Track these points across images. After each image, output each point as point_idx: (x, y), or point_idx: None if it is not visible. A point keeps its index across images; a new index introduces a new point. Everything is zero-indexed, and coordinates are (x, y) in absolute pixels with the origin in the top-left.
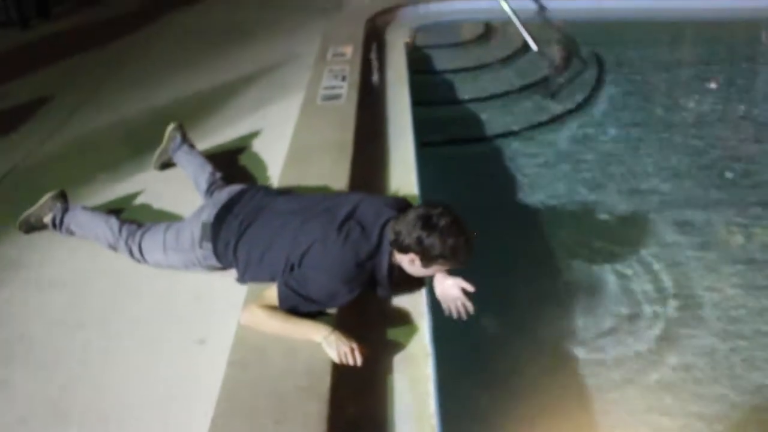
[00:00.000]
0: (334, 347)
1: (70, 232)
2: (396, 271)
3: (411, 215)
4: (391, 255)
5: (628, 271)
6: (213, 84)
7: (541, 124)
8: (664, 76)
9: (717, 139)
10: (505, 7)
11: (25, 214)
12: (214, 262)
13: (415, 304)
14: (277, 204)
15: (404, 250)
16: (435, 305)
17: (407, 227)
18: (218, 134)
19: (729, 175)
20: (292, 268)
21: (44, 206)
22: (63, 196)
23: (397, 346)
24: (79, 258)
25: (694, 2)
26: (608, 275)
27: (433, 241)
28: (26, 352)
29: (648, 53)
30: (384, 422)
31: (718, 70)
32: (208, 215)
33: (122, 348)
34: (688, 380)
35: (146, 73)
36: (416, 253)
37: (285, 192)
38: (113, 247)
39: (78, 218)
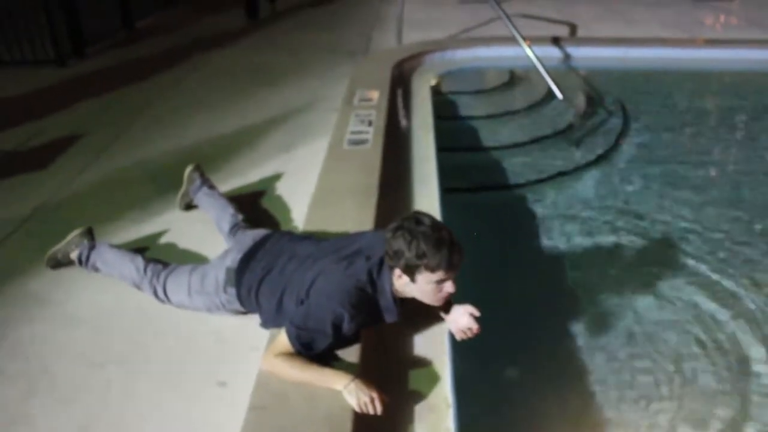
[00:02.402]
0: (354, 396)
1: (96, 269)
2: (398, 298)
3: (387, 230)
4: (392, 280)
5: (648, 321)
6: (240, 125)
7: (565, 173)
8: (688, 127)
9: (744, 192)
10: (530, 54)
11: (53, 250)
12: (237, 306)
13: (437, 353)
14: (297, 249)
15: (391, 268)
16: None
17: (386, 246)
18: (243, 176)
19: (757, 227)
20: (302, 304)
21: (71, 243)
22: (90, 233)
23: (419, 396)
24: (104, 295)
25: (719, 53)
26: (627, 323)
27: (401, 246)
28: (48, 388)
29: (672, 103)
30: None
31: (742, 121)
32: (233, 260)
33: (143, 387)
34: None
35: (175, 113)
36: (397, 267)
37: (307, 237)
38: (138, 286)
39: (104, 256)
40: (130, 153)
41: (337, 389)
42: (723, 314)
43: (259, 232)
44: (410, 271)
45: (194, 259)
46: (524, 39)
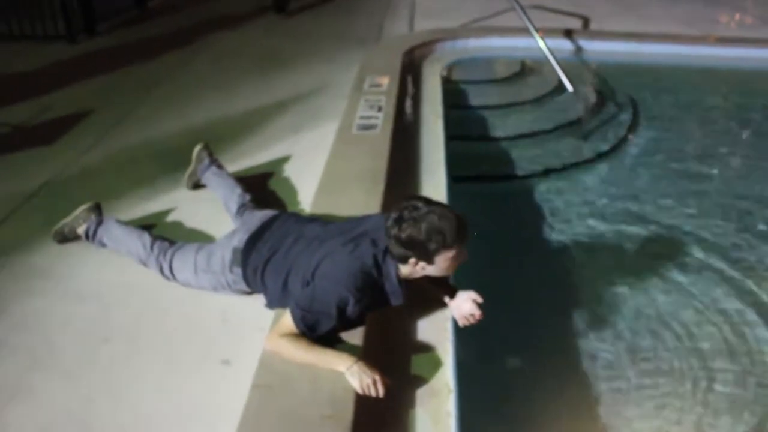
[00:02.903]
0: (357, 378)
1: (102, 245)
2: (404, 282)
3: (388, 223)
4: (397, 265)
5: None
6: (248, 107)
7: (573, 165)
8: (698, 123)
9: (751, 190)
10: (542, 46)
11: (60, 224)
12: (243, 286)
13: (440, 339)
14: (303, 230)
15: (403, 260)
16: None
17: (390, 238)
18: (251, 157)
19: (762, 227)
20: (307, 286)
21: (79, 217)
22: (98, 209)
23: (421, 381)
24: (109, 271)
25: (730, 51)
26: (629, 312)
27: (413, 237)
28: (51, 361)
29: (683, 99)
30: None
31: (752, 119)
32: (239, 240)
33: (147, 364)
34: None
35: (184, 93)
36: (413, 255)
37: (314, 219)
38: (144, 263)
39: (111, 231)
40: (138, 131)
41: (339, 371)
42: (732, 307)
43: (267, 213)
44: (428, 256)
45: (201, 238)
46: (537, 30)
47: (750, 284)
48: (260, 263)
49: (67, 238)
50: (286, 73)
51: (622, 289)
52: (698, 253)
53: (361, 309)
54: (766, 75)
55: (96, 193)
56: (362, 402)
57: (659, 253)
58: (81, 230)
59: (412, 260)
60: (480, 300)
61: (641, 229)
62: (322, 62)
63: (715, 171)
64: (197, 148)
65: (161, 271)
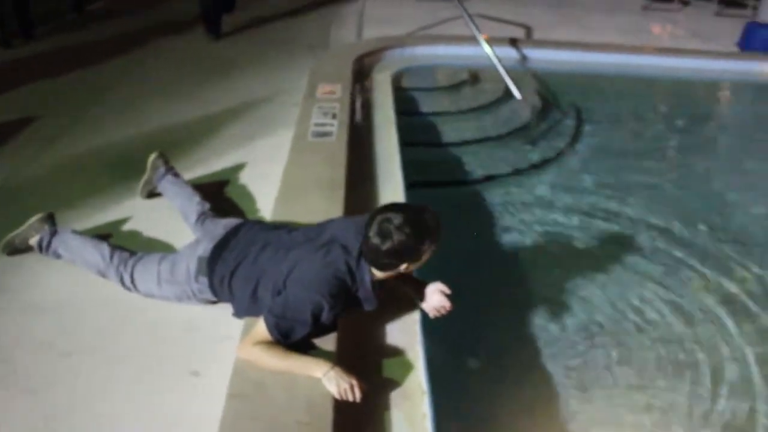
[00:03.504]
0: (334, 383)
1: (57, 256)
2: (377, 285)
3: (372, 239)
4: (370, 271)
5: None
6: (200, 114)
7: (522, 170)
8: (637, 128)
9: (687, 186)
10: (490, 54)
11: (10, 235)
12: (209, 296)
13: (410, 342)
14: (269, 238)
15: (389, 267)
16: (429, 342)
17: (377, 253)
18: (205, 165)
19: (702, 227)
20: (279, 294)
21: (31, 228)
22: (51, 219)
23: (394, 384)
24: (65, 283)
25: (670, 61)
26: (578, 308)
27: (404, 244)
28: (11, 379)
29: (623, 105)
30: None
31: (683, 124)
32: (204, 250)
33: (113, 377)
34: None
35: (132, 100)
36: (403, 262)
37: (279, 226)
38: (103, 274)
39: (67, 242)
40: (87, 139)
41: (316, 377)
42: (673, 297)
43: (231, 221)
44: (418, 256)
45: (160, 248)
46: (492, 40)
47: (691, 269)
48: (227, 272)
49: (18, 249)
50: (237, 80)
51: (576, 281)
52: (645, 243)
53: (335, 315)
54: (695, 83)
55: (46, 202)
56: (339, 407)
57: (609, 245)
58: (33, 241)
59: (403, 266)
60: (448, 291)
61: (589, 224)
62: (272, 69)
63: (653, 170)
64: (152, 156)
65: (122, 281)
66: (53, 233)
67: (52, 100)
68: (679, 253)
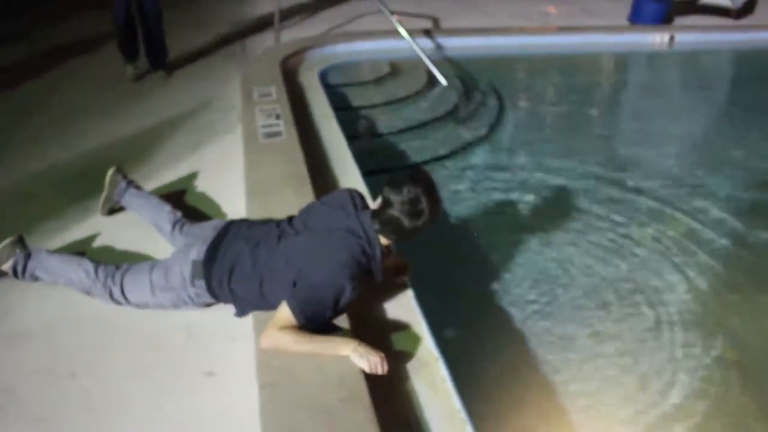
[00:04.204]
0: (365, 359)
1: (35, 278)
2: (384, 252)
3: (399, 216)
4: (380, 241)
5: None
6: (135, 129)
7: (458, 150)
8: (552, 103)
9: (605, 152)
10: (414, 45)
11: None
12: (207, 298)
13: (411, 315)
14: (259, 234)
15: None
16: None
17: (400, 228)
18: (157, 178)
19: (625, 181)
20: (294, 285)
21: (2, 254)
22: (22, 241)
23: (408, 355)
24: (48, 305)
25: (571, 38)
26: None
27: (428, 222)
28: (15, 410)
29: (536, 84)
30: (418, 423)
31: (591, 96)
32: (198, 253)
33: (127, 391)
34: None
35: (59, 121)
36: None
37: (265, 222)
38: (87, 291)
39: (45, 263)
40: (24, 164)
41: (344, 355)
42: (615, 247)
43: (218, 222)
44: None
45: (136, 259)
46: (410, 32)
47: (625, 227)
48: (225, 273)
49: None
50: (167, 91)
51: (522, 247)
52: (580, 206)
53: (356, 295)
54: (593, 57)
55: (3, 229)
56: (368, 380)
57: (547, 211)
58: (7, 266)
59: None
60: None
61: (527, 194)
62: (200, 78)
63: (573, 139)
64: (110, 172)
65: (111, 296)
66: (27, 256)
67: None
68: (612, 211)
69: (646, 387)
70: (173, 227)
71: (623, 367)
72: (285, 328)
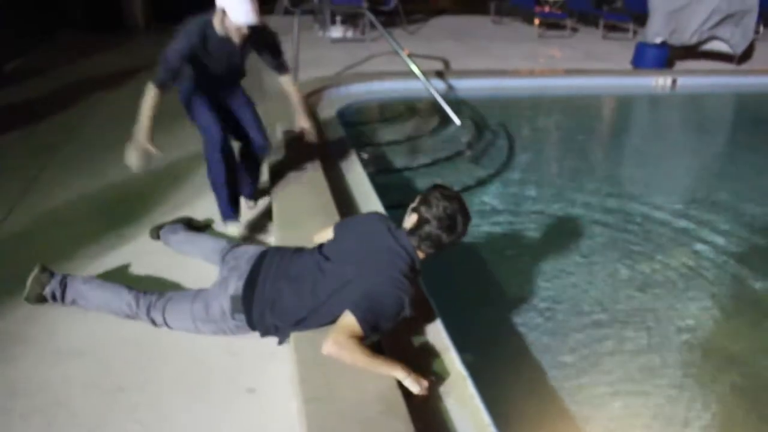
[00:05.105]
0: (416, 384)
1: (76, 304)
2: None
3: (435, 230)
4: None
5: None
6: (163, 162)
7: (472, 186)
8: (559, 141)
9: (610, 185)
10: (428, 85)
11: (24, 296)
12: (247, 331)
13: (434, 334)
14: (297, 266)
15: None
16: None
17: (439, 242)
18: (186, 209)
19: (628, 209)
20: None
21: (35, 284)
22: (47, 270)
23: (438, 376)
24: (91, 327)
25: (578, 81)
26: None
27: (460, 231)
28: (70, 421)
29: (543, 123)
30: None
31: (595, 135)
32: (236, 288)
33: (172, 406)
34: None
35: (86, 153)
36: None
37: (298, 250)
38: (131, 318)
39: (84, 294)
40: (56, 194)
41: (399, 377)
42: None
43: (252, 252)
44: None
45: (171, 286)
46: (421, 71)
47: (632, 249)
48: (266, 307)
49: (44, 299)
50: (190, 127)
51: (537, 271)
52: (589, 232)
53: (412, 310)
54: (598, 99)
55: (35, 256)
56: (407, 397)
57: (559, 239)
58: (46, 293)
59: None
60: None
61: (539, 225)
62: None
63: (580, 175)
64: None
65: (154, 323)
66: (63, 284)
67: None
68: (620, 235)
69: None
70: (220, 256)
71: None
72: (351, 338)
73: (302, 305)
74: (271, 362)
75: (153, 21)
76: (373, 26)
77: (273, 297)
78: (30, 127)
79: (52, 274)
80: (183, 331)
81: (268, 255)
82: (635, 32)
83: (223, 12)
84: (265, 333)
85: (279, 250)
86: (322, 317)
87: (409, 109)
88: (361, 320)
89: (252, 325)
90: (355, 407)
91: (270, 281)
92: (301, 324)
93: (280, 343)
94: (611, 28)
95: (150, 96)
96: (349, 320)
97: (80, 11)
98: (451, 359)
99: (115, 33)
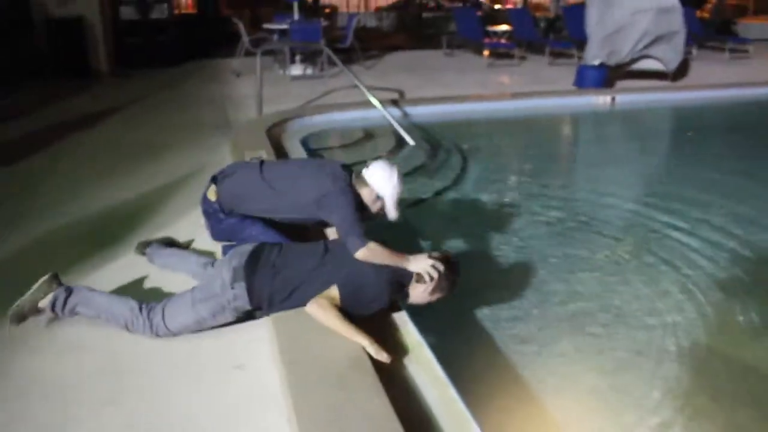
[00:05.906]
0: (380, 352)
1: (75, 314)
2: None
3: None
4: None
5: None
6: (138, 192)
7: (431, 196)
8: (510, 158)
9: (562, 195)
10: (383, 111)
11: (18, 304)
12: (244, 302)
13: (398, 315)
14: (297, 252)
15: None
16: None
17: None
18: (167, 228)
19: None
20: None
21: (40, 290)
22: (57, 278)
23: (396, 343)
24: (93, 326)
25: (525, 103)
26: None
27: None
28: (80, 397)
29: (493, 142)
30: (412, 387)
31: (545, 152)
32: (239, 262)
33: (173, 386)
34: None
35: (68, 186)
36: None
37: (294, 246)
38: (128, 327)
39: (89, 299)
40: (41, 225)
41: (363, 344)
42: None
43: (250, 245)
44: None
45: (169, 296)
46: (377, 99)
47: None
48: (270, 275)
49: (25, 316)
50: (162, 161)
51: (496, 268)
52: (536, 232)
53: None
54: (545, 118)
55: (31, 278)
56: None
57: (506, 236)
58: (44, 303)
59: None
60: None
61: (493, 233)
62: (191, 148)
63: (528, 188)
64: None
65: (152, 328)
66: (68, 291)
67: None
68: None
69: None
70: (205, 268)
71: None
72: (332, 304)
73: (299, 275)
74: (255, 344)
75: (116, 66)
76: (331, 63)
77: (280, 265)
78: (17, 163)
79: (60, 283)
80: (180, 329)
81: (267, 245)
82: (580, 57)
83: (378, 197)
84: (257, 304)
85: (276, 245)
86: (309, 287)
87: (367, 134)
88: (343, 296)
89: (250, 293)
90: (329, 365)
91: (272, 260)
92: (292, 294)
93: (264, 315)
94: (557, 55)
95: (373, 255)
96: (334, 292)
97: (48, 59)
98: (409, 331)
99: (82, 79)
